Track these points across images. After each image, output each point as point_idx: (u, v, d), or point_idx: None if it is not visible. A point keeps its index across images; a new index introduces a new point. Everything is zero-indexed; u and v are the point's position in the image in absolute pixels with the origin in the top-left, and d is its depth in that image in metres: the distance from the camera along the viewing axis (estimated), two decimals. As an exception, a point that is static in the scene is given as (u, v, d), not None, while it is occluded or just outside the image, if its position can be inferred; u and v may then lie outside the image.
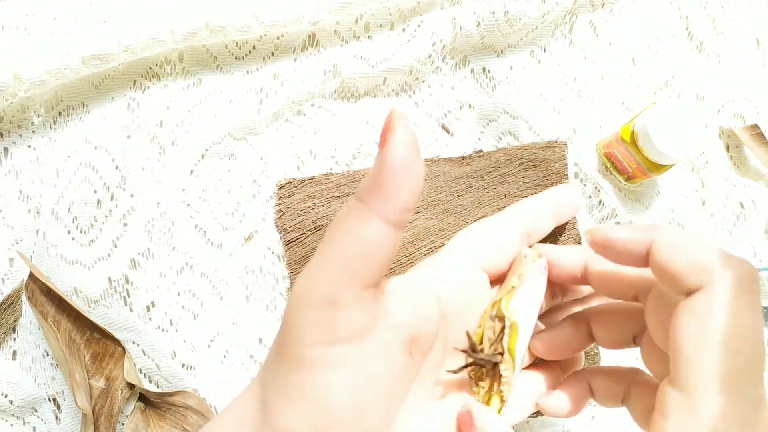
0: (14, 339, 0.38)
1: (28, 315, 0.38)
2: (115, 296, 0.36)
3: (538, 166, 0.39)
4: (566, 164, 0.39)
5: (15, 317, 0.38)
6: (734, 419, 0.19)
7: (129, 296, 0.36)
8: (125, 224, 0.37)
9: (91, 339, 0.37)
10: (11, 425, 0.38)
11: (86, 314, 0.36)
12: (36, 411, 0.38)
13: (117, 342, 0.37)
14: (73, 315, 0.36)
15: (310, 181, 0.38)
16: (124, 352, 0.37)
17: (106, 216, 0.37)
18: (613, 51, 0.46)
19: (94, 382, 0.36)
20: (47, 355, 0.37)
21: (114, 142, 0.38)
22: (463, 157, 0.40)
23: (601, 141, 0.45)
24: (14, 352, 0.38)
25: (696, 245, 0.21)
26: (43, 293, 0.36)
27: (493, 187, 0.39)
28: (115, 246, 0.37)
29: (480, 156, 0.40)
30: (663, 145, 0.38)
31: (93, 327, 0.36)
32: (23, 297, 0.37)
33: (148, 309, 0.37)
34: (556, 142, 0.40)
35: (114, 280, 0.36)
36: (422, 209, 0.39)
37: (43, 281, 0.36)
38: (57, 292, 0.36)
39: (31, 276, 0.36)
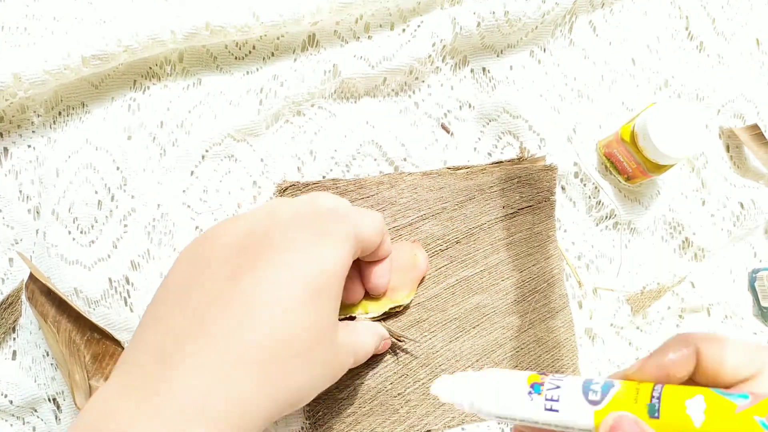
0: (14, 339, 0.38)
1: (28, 315, 0.38)
2: (115, 296, 0.36)
3: (533, 184, 0.43)
4: (555, 184, 0.43)
5: (15, 317, 0.38)
6: None
7: (129, 297, 0.36)
8: (126, 225, 0.37)
9: (91, 339, 0.36)
10: (11, 425, 0.38)
11: (86, 315, 0.36)
12: (36, 411, 0.38)
13: (117, 343, 0.37)
14: (73, 315, 0.36)
15: (316, 185, 0.38)
16: None
17: (106, 217, 0.37)
18: (613, 51, 0.46)
19: (94, 382, 0.36)
20: (47, 355, 0.37)
21: (114, 143, 0.38)
22: (467, 171, 0.42)
23: (601, 141, 0.45)
24: (14, 352, 0.38)
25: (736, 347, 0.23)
26: (43, 294, 0.36)
27: (493, 199, 0.42)
28: (116, 247, 0.37)
29: (483, 171, 0.42)
30: (663, 145, 0.38)
31: (93, 327, 0.36)
32: (23, 297, 0.37)
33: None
34: (550, 165, 0.43)
35: (114, 281, 0.36)
36: (428, 217, 0.40)
37: (43, 282, 0.36)
38: (57, 292, 0.36)
39: (31, 276, 0.36)
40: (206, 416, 0.22)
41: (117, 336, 0.37)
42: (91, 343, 0.37)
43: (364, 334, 0.32)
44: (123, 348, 0.37)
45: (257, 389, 0.23)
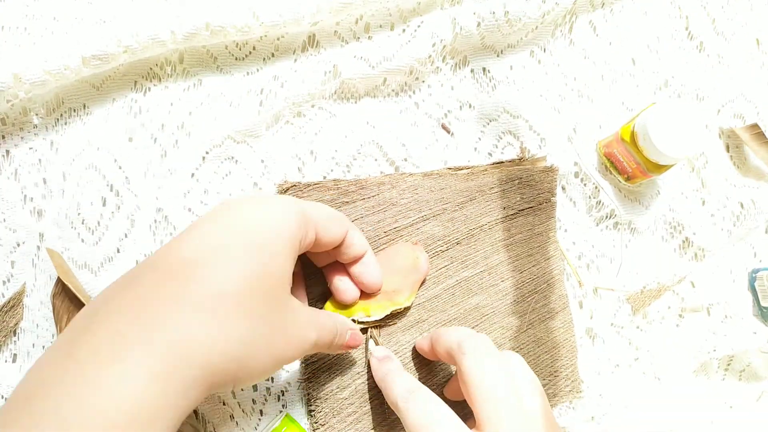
0: (15, 342, 0.38)
1: (30, 318, 0.38)
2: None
3: (534, 186, 0.43)
4: (556, 185, 0.43)
5: (16, 320, 0.38)
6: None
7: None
8: (127, 229, 0.37)
9: None
10: (12, 426, 0.38)
11: None
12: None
13: None
14: None
15: (317, 185, 0.38)
16: None
17: (109, 219, 0.37)
18: (613, 51, 0.46)
19: None
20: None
21: (116, 145, 0.38)
22: (468, 172, 0.42)
23: (601, 141, 0.45)
24: (14, 356, 0.38)
25: (444, 338, 0.33)
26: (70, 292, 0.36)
27: (493, 200, 0.42)
28: (118, 251, 0.37)
29: (484, 173, 0.42)
30: (663, 145, 0.38)
31: None
32: (24, 300, 0.37)
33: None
34: (550, 167, 0.43)
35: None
36: (429, 218, 0.40)
37: (66, 283, 0.35)
38: (78, 295, 0.35)
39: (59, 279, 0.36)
40: (131, 364, 0.21)
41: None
42: None
43: (326, 318, 0.31)
44: None
45: (191, 335, 0.22)
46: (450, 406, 0.33)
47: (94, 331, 0.22)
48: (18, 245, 0.38)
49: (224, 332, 0.23)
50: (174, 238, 0.26)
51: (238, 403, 0.37)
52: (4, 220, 0.38)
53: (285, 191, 0.38)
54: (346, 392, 0.37)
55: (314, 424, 0.37)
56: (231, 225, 0.26)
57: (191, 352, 0.22)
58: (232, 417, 0.37)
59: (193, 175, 0.38)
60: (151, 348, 0.22)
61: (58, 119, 0.39)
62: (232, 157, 0.39)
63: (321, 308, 0.36)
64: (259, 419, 0.38)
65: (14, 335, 0.38)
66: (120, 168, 0.37)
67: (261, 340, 0.25)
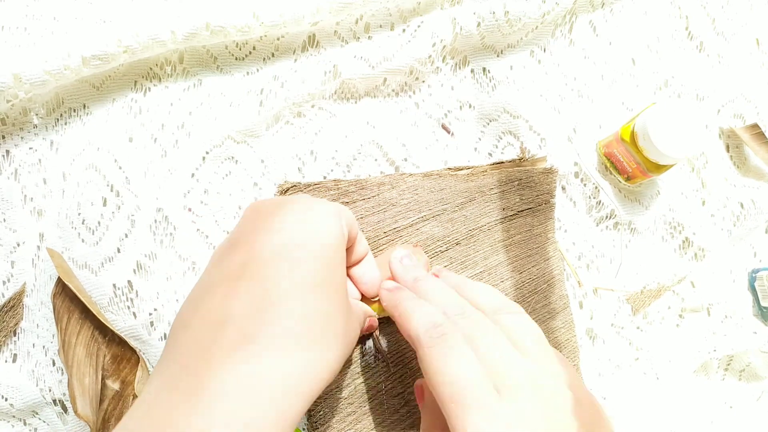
0: (14, 342, 0.38)
1: (30, 318, 0.38)
2: (120, 304, 0.36)
3: (533, 187, 0.43)
4: (555, 187, 0.43)
5: (16, 320, 0.38)
6: None
7: (132, 305, 0.36)
8: (128, 230, 0.37)
9: (112, 340, 0.37)
10: (12, 426, 0.38)
11: (105, 321, 0.36)
12: (37, 413, 0.38)
13: (133, 351, 0.37)
14: (97, 319, 0.36)
15: (318, 185, 0.38)
16: (139, 360, 0.37)
17: (109, 219, 0.37)
18: (613, 51, 0.46)
19: (110, 383, 0.36)
20: (46, 355, 0.37)
21: (116, 145, 0.38)
22: (468, 173, 0.42)
23: (601, 141, 0.45)
24: (14, 356, 0.38)
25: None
26: (71, 292, 0.36)
27: (493, 201, 0.42)
28: (118, 251, 0.37)
29: (483, 173, 0.42)
30: (663, 145, 0.38)
31: (113, 333, 0.36)
32: (24, 301, 0.37)
33: (152, 324, 0.37)
34: (550, 168, 0.43)
35: (118, 288, 0.36)
36: (429, 218, 0.40)
37: (67, 283, 0.35)
38: (82, 299, 0.35)
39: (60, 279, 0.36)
40: (253, 405, 0.22)
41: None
42: (113, 344, 0.37)
43: (359, 308, 0.33)
44: (138, 357, 0.37)
45: (292, 371, 0.24)
46: None
47: (214, 372, 0.23)
48: (18, 245, 0.38)
49: (321, 359, 0.25)
50: (245, 252, 0.26)
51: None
52: (4, 220, 0.38)
53: (285, 191, 0.38)
54: (345, 392, 0.37)
55: (314, 424, 0.37)
56: (297, 247, 0.26)
57: (301, 388, 0.24)
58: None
59: (193, 175, 0.38)
60: (272, 392, 0.23)
61: (58, 119, 0.39)
62: (232, 157, 0.39)
63: None
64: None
65: (14, 335, 0.38)
66: (120, 168, 0.37)
67: (345, 349, 0.27)
